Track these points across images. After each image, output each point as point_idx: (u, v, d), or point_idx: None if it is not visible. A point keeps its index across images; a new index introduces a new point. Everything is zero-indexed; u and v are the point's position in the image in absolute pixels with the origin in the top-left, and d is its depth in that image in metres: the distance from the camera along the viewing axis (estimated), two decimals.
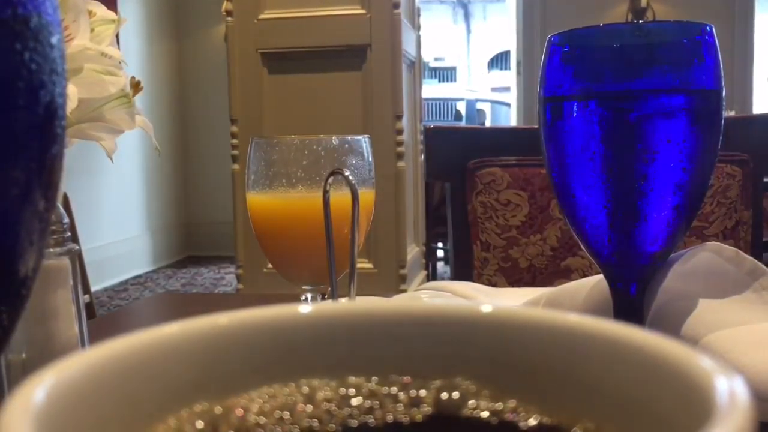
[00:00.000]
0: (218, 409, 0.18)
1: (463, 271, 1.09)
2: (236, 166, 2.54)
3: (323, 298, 0.60)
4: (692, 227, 1.00)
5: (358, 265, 0.56)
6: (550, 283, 1.06)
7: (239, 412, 0.18)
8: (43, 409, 0.14)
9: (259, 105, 2.59)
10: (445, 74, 12.44)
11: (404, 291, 2.21)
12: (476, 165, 1.08)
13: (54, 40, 0.19)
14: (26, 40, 0.18)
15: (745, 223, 1.04)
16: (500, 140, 1.15)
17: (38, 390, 0.14)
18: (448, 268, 4.81)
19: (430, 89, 9.86)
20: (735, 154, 1.04)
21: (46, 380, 0.15)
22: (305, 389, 0.19)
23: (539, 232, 1.08)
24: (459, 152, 1.10)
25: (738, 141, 1.04)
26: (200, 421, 0.17)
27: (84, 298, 0.49)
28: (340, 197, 0.54)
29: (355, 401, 0.19)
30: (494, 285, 1.04)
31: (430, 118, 9.35)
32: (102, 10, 0.51)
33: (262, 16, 2.58)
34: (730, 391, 0.14)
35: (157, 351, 0.17)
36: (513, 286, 1.04)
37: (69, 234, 0.47)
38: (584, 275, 1.06)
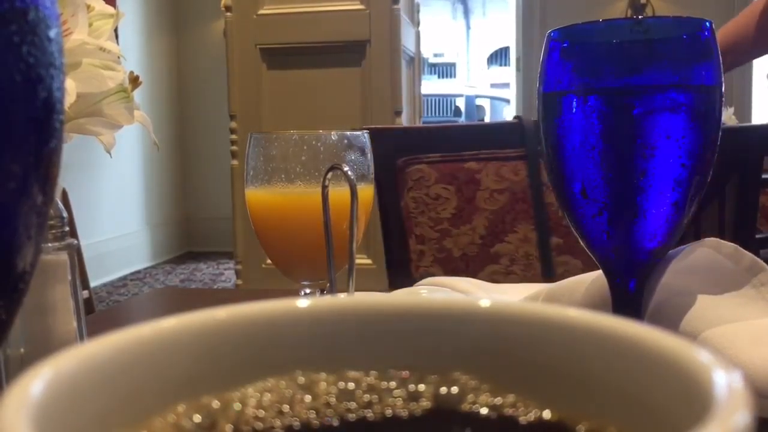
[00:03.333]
0: (216, 403, 0.18)
1: (400, 265, 1.14)
2: (235, 162, 2.54)
3: (322, 294, 0.60)
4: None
5: (357, 261, 0.56)
6: (482, 269, 1.10)
7: (237, 406, 0.18)
8: (40, 402, 0.14)
9: (258, 100, 2.58)
10: (445, 70, 12.43)
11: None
12: (405, 163, 1.14)
13: (52, 33, 0.19)
14: (24, 33, 0.18)
15: None
16: (426, 138, 1.21)
17: (35, 383, 0.14)
18: None
19: (430, 85, 9.86)
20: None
21: (43, 373, 0.15)
22: (303, 383, 0.19)
23: (468, 223, 1.14)
24: (389, 151, 1.15)
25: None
26: (198, 415, 0.17)
27: (83, 294, 0.49)
28: (339, 193, 0.54)
29: (353, 395, 0.19)
30: (432, 275, 1.08)
31: (429, 114, 9.35)
32: (100, 5, 0.50)
33: (261, 12, 2.58)
34: (728, 385, 0.14)
35: (155, 345, 0.17)
36: (449, 275, 1.07)
37: (68, 229, 0.47)
38: (512, 260, 1.10)
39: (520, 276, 1.10)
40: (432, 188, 1.13)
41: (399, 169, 1.14)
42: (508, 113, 8.88)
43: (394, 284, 1.11)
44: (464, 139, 1.20)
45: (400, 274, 1.12)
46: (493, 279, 1.08)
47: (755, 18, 1.38)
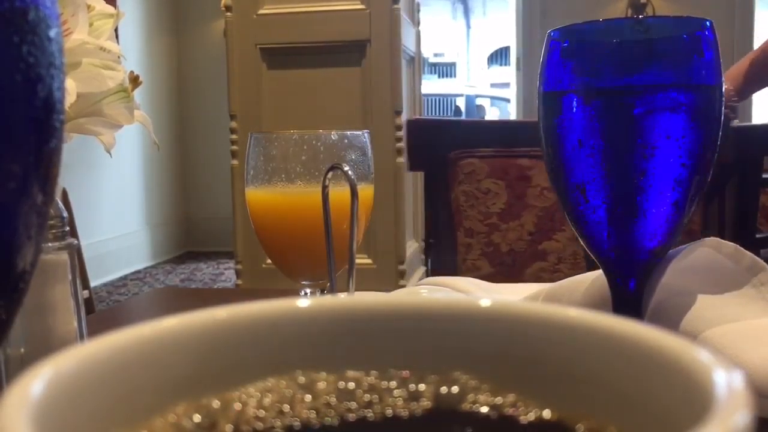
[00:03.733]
0: (216, 403, 0.18)
1: (446, 258, 1.15)
2: (235, 162, 2.54)
3: (322, 294, 0.60)
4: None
5: (357, 261, 0.56)
6: (529, 265, 1.11)
7: (237, 405, 0.18)
8: (41, 401, 0.14)
9: (258, 100, 2.58)
10: (445, 70, 12.43)
11: (403, 287, 2.21)
12: (457, 156, 1.15)
13: (52, 33, 0.19)
14: (24, 33, 0.18)
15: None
16: (477, 133, 1.21)
17: (36, 383, 0.14)
18: None
19: (430, 85, 9.86)
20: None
21: (43, 373, 0.15)
22: (303, 383, 0.19)
23: (517, 218, 1.15)
24: (440, 144, 1.16)
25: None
26: (198, 415, 0.17)
27: (83, 294, 0.49)
28: (339, 192, 0.54)
29: (353, 395, 0.19)
30: (478, 269, 1.12)
31: (429, 114, 9.34)
32: (101, 5, 0.50)
33: (261, 12, 2.57)
34: (728, 385, 0.14)
35: (155, 344, 0.17)
36: (495, 270, 1.09)
37: (68, 229, 0.47)
38: (560, 258, 1.11)
39: (567, 275, 1.10)
40: (483, 182, 1.14)
41: (451, 161, 1.15)
42: (509, 113, 8.86)
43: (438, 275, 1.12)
44: (516, 135, 1.20)
45: (446, 266, 1.14)
46: (540, 277, 1.09)
47: (755, 57, 1.64)
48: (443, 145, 1.15)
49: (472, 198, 1.14)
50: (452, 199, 1.15)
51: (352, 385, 0.19)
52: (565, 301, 0.56)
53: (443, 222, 1.15)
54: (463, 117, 9.24)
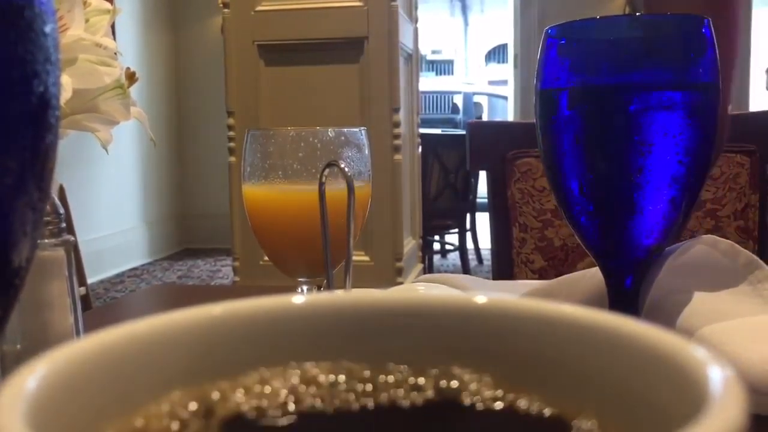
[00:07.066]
0: (212, 399, 0.18)
1: (503, 251, 1.20)
2: (233, 158, 2.54)
3: (319, 291, 0.60)
4: (707, 209, 1.08)
5: (355, 258, 0.56)
6: (582, 260, 1.14)
7: (233, 402, 0.18)
8: (36, 397, 0.14)
9: (255, 97, 2.58)
10: (443, 67, 12.43)
11: (400, 283, 2.21)
12: (514, 156, 1.19)
13: (47, 29, 0.19)
14: (20, 28, 0.18)
15: (753, 206, 1.15)
16: (533, 133, 1.26)
17: (32, 379, 0.14)
18: (444, 262, 4.81)
19: (427, 82, 9.85)
20: (743, 145, 1.13)
21: (38, 369, 0.15)
22: (299, 380, 0.19)
23: None
24: (498, 144, 1.22)
25: (746, 134, 1.13)
26: (193, 410, 0.17)
27: (80, 290, 0.49)
28: (336, 190, 0.54)
29: (350, 392, 0.19)
30: (531, 262, 1.16)
31: (427, 112, 9.34)
32: (97, 0, 0.50)
33: (258, 8, 2.57)
34: (723, 381, 0.14)
35: (150, 341, 0.17)
36: (549, 263, 1.14)
37: (64, 225, 0.47)
38: None
39: None
40: (538, 181, 1.18)
41: (508, 161, 1.19)
42: (506, 111, 8.87)
43: (496, 266, 1.19)
44: None
45: (502, 259, 1.19)
46: None
47: None
48: (501, 146, 1.21)
49: (527, 195, 1.19)
50: (508, 196, 1.20)
51: (348, 381, 0.19)
52: (561, 298, 0.56)
53: (500, 218, 1.20)
54: (461, 115, 9.24)
